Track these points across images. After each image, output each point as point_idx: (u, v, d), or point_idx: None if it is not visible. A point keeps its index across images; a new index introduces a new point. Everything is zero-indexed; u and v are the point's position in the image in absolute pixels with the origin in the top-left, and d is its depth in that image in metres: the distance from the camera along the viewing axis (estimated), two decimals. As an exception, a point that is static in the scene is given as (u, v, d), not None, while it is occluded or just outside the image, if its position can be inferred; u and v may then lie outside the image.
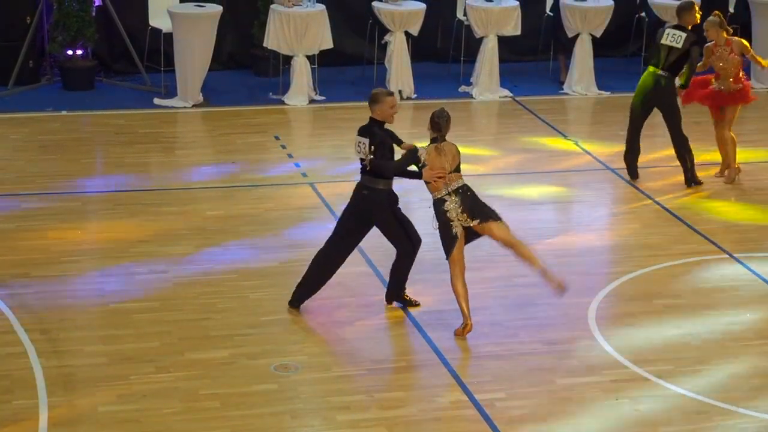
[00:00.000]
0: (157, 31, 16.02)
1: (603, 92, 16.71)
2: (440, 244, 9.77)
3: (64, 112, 15.16)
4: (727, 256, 11.59)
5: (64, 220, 11.92)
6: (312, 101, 15.90)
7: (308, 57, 15.88)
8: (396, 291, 10.22)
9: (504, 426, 8.61)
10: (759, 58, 13.42)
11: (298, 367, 9.29)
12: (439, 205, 9.70)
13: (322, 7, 15.91)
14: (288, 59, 15.97)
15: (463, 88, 16.50)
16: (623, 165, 13.48)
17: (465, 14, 16.71)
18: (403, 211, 10.12)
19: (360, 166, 9.94)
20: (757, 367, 9.59)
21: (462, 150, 9.86)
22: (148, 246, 11.36)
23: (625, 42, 17.99)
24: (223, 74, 16.76)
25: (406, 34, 16.17)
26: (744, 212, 12.72)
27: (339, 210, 12.27)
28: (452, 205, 9.66)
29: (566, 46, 16.90)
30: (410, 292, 10.28)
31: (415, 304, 10.24)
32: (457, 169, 9.71)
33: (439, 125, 9.68)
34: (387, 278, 10.46)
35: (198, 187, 12.92)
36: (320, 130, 15.08)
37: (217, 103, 15.74)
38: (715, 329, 10.16)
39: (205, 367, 9.24)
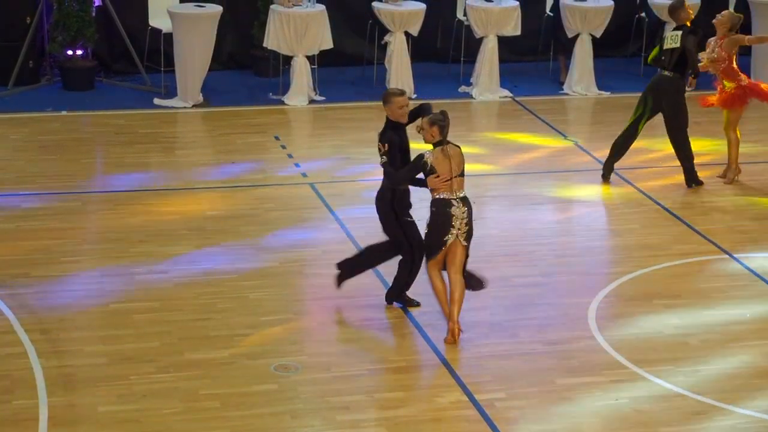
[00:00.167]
0: (157, 31, 16.02)
1: (603, 92, 16.71)
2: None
3: (64, 112, 15.16)
4: (727, 256, 11.59)
5: (64, 220, 11.92)
6: (312, 101, 15.90)
7: (308, 57, 15.88)
8: (396, 293, 10.23)
9: (504, 426, 8.61)
10: (757, 37, 13.36)
11: (298, 367, 9.30)
12: (443, 206, 9.62)
13: (322, 7, 15.91)
14: (288, 59, 15.97)
15: (463, 89, 16.50)
16: (623, 165, 13.46)
17: (465, 14, 16.71)
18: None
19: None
20: (757, 367, 9.59)
21: (462, 150, 9.86)
22: (148, 246, 11.36)
23: (625, 42, 18.00)
24: (223, 74, 16.76)
25: (406, 34, 16.18)
26: (744, 212, 12.72)
27: (339, 210, 12.32)
28: (458, 212, 9.62)
29: (566, 46, 16.90)
30: (410, 292, 10.28)
31: (416, 304, 10.25)
32: (462, 173, 9.68)
33: (444, 129, 9.66)
34: (387, 278, 10.47)
35: (198, 187, 12.92)
36: (320, 130, 15.08)
37: (217, 104, 15.75)
38: (715, 329, 10.16)
39: (205, 367, 9.24)
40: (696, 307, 10.54)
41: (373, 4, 16.22)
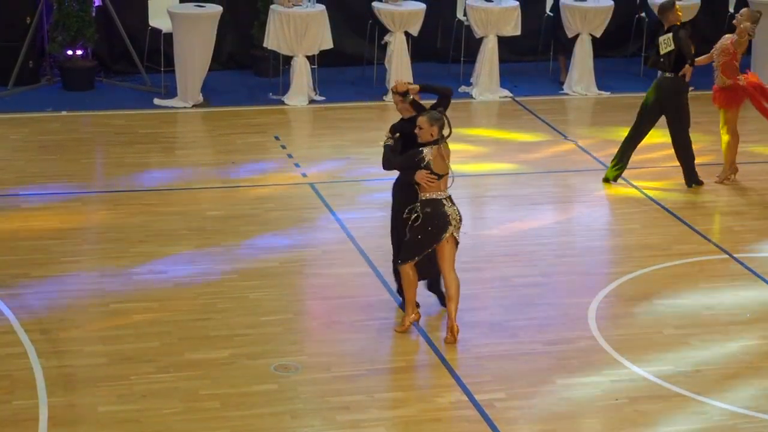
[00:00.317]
0: (157, 32, 16.02)
1: (603, 92, 16.71)
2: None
3: (64, 112, 15.16)
4: (727, 256, 11.59)
5: (64, 220, 11.92)
6: (312, 101, 15.90)
7: (308, 57, 15.88)
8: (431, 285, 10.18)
9: (504, 426, 8.61)
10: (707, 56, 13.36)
11: (298, 367, 9.29)
12: (437, 206, 9.61)
13: (322, 7, 15.91)
14: (288, 59, 15.97)
15: (463, 89, 16.49)
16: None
17: (465, 14, 16.71)
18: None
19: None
20: (757, 367, 9.59)
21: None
22: (148, 246, 11.35)
23: (625, 42, 18.00)
24: (223, 74, 16.75)
25: (406, 34, 16.17)
26: (744, 212, 12.72)
27: (339, 210, 12.32)
28: (451, 210, 9.62)
29: (566, 46, 16.90)
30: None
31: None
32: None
33: (442, 129, 9.66)
34: (387, 278, 10.48)
35: (198, 187, 12.92)
36: (320, 130, 15.08)
37: (217, 104, 15.74)
38: (715, 329, 10.16)
39: (205, 367, 9.24)
40: (696, 307, 10.54)
41: (373, 4, 16.22)
